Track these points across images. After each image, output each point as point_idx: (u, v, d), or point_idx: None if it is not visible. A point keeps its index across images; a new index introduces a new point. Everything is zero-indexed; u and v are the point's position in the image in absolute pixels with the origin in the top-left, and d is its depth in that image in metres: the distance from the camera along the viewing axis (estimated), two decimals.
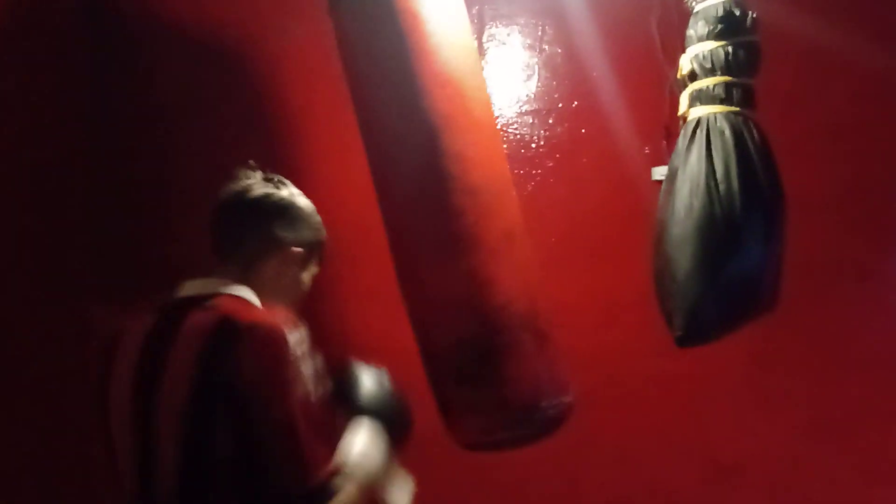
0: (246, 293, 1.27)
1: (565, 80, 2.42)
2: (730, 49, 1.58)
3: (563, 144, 2.41)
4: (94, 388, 1.28)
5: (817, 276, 2.25)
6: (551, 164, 2.42)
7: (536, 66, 2.44)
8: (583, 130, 2.40)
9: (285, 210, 1.34)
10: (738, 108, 1.58)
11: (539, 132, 2.43)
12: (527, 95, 2.43)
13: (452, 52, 1.52)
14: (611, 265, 2.34)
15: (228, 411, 1.12)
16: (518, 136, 2.43)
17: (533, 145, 2.42)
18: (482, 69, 1.79)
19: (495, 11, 2.45)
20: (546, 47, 2.44)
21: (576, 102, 2.40)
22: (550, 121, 2.43)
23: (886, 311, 2.26)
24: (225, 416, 1.13)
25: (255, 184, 1.33)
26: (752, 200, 1.54)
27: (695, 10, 1.64)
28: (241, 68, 2.48)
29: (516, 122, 2.44)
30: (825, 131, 2.26)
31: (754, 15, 1.59)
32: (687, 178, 1.58)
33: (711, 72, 1.59)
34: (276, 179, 1.37)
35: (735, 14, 1.58)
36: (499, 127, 2.42)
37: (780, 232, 1.61)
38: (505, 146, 2.40)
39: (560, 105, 2.42)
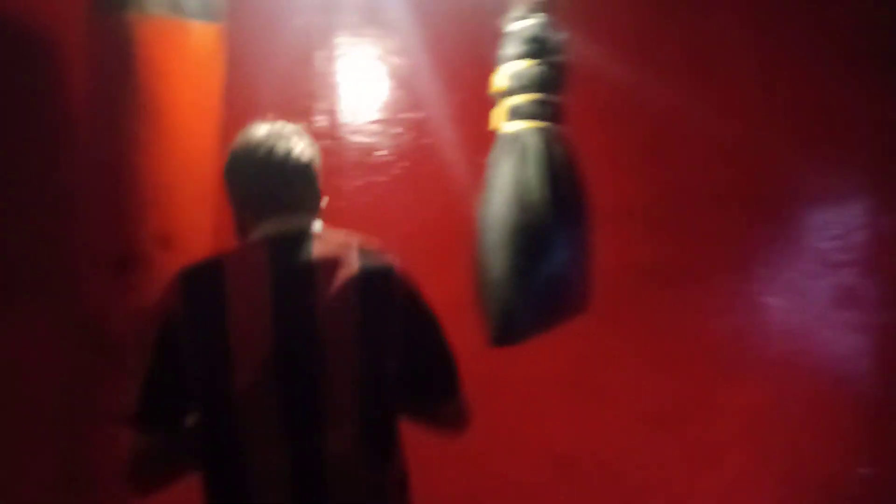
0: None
1: (411, 91, 2.48)
2: (540, 68, 1.67)
3: (408, 154, 2.48)
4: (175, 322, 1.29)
5: (635, 279, 2.44)
6: (397, 173, 2.48)
7: (383, 78, 2.50)
8: (427, 140, 2.47)
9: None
10: (547, 124, 1.68)
11: (385, 141, 2.48)
12: (373, 105, 2.49)
13: None
14: (452, 270, 2.42)
15: (399, 333, 1.34)
16: (364, 145, 2.48)
17: (378, 154, 2.48)
18: None
19: (344, 22, 2.49)
20: (393, 59, 2.50)
21: (420, 113, 2.48)
22: (396, 130, 2.49)
23: (697, 312, 2.46)
24: (398, 337, 1.34)
25: (298, 139, 1.44)
26: (559, 210, 1.63)
27: (508, 30, 1.73)
28: None
29: (362, 130, 2.48)
30: (639, 146, 2.44)
31: (563, 36, 1.70)
32: (499, 189, 1.66)
33: (523, 89, 1.69)
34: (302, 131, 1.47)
35: (545, 35, 1.68)
36: (345, 136, 2.47)
37: (585, 239, 1.72)
38: (351, 154, 2.47)
39: (405, 115, 2.48)
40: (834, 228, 2.45)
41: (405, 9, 2.45)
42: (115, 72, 1.75)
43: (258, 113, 2.36)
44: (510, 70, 1.71)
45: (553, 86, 1.70)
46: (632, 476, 2.47)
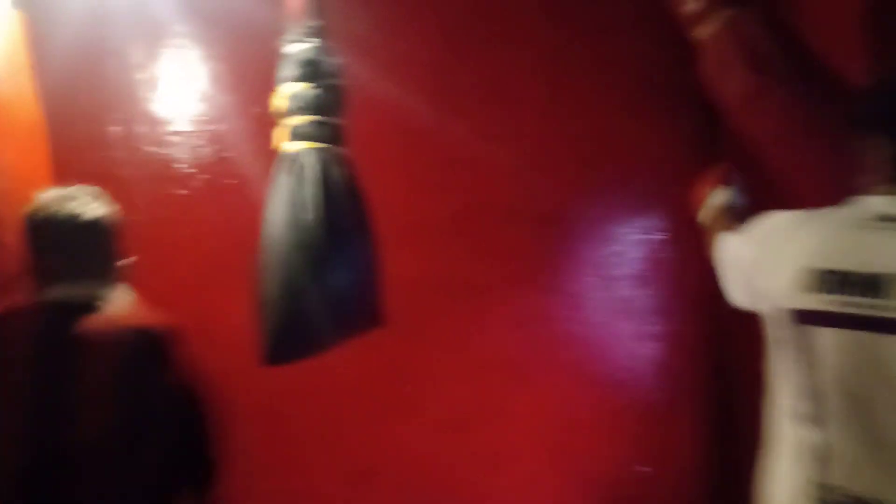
0: (125, 294, 1.38)
1: (212, 103, 2.46)
2: (316, 91, 1.72)
3: (209, 166, 2.45)
4: None
5: (435, 293, 2.54)
6: (197, 185, 2.45)
7: (184, 89, 2.45)
8: (227, 153, 2.46)
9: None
10: (325, 145, 1.73)
11: (185, 153, 2.44)
12: (173, 117, 2.44)
13: None
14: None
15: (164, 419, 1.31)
16: (163, 157, 2.43)
17: (177, 166, 2.43)
18: None
19: (144, 33, 2.42)
20: (193, 70, 2.46)
21: (222, 125, 2.46)
22: (197, 142, 2.45)
23: (497, 322, 2.60)
24: (161, 422, 1.31)
25: (84, 202, 1.43)
26: (336, 230, 1.68)
27: (286, 53, 1.76)
28: None
29: (161, 142, 2.43)
30: (438, 167, 2.56)
31: (339, 61, 1.76)
32: (278, 209, 1.69)
33: (300, 111, 1.73)
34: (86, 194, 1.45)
35: (320, 59, 1.73)
36: (143, 147, 2.41)
37: (368, 257, 1.78)
38: (150, 166, 2.41)
39: (206, 128, 2.45)
40: (613, 245, 2.67)
41: (205, 21, 2.43)
42: None
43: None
44: (288, 91, 1.75)
45: (331, 108, 1.75)
46: (430, 483, 2.56)
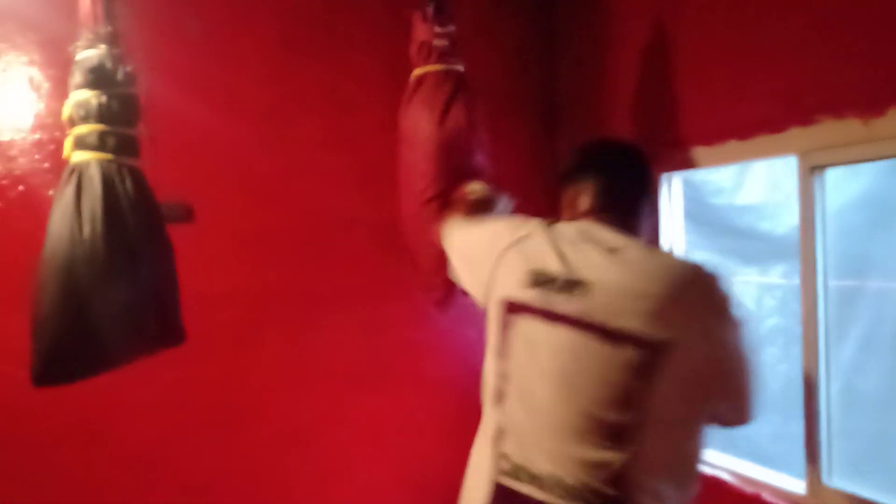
0: None
1: (28, 113, 2.36)
2: (103, 99, 1.67)
3: (27, 177, 2.35)
4: None
5: (278, 302, 2.52)
6: (13, 196, 2.34)
7: (2, 98, 2.34)
8: (47, 164, 2.36)
9: None
10: (111, 156, 1.67)
11: (2, 164, 2.33)
12: None
13: None
14: None
15: None
16: None
17: None
18: None
19: None
20: (9, 78, 2.35)
21: (40, 135, 2.36)
22: (13, 153, 2.34)
23: (337, 332, 2.59)
24: None
25: None
26: (118, 244, 1.62)
27: (75, 59, 1.71)
28: None
29: None
30: (276, 175, 2.53)
31: (129, 68, 1.72)
32: (57, 221, 1.63)
33: (86, 119, 1.67)
34: None
35: (107, 66, 1.68)
36: None
37: (160, 272, 1.74)
38: None
39: (23, 137, 2.35)
40: None
41: (21, 26, 2.33)
42: None
43: None
44: (74, 100, 1.69)
45: (119, 118, 1.70)
46: (268, 497, 2.52)
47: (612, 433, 1.38)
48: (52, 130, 2.35)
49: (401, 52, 2.48)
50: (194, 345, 1.89)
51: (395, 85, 2.64)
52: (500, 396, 1.57)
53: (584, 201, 1.62)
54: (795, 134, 1.87)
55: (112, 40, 1.70)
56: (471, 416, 2.77)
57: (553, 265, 1.49)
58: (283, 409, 2.54)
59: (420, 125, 2.10)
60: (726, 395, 1.51)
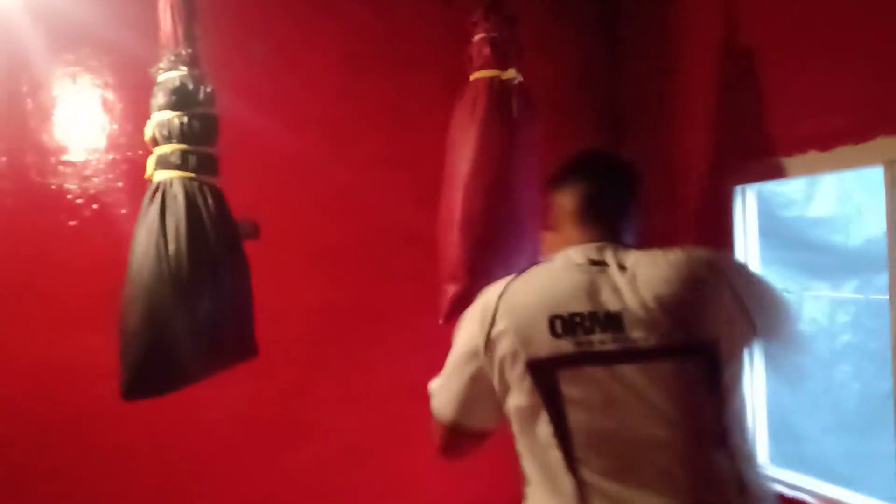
0: None
1: (104, 133, 2.42)
2: (185, 119, 1.71)
3: (101, 195, 2.40)
4: None
5: (340, 318, 2.52)
6: (88, 215, 2.40)
7: (75, 117, 2.41)
8: (119, 183, 2.41)
9: None
10: (193, 174, 1.71)
11: (76, 183, 2.39)
12: (67, 146, 2.39)
13: None
14: None
15: None
16: (53, 187, 2.37)
17: (68, 196, 2.38)
18: None
19: (38, 62, 2.37)
20: (85, 99, 2.42)
21: (114, 155, 2.41)
22: (88, 172, 2.40)
23: (398, 347, 2.59)
24: None
25: None
26: (201, 260, 1.66)
27: (157, 81, 1.75)
28: None
29: (51, 171, 2.37)
30: (345, 193, 2.56)
31: (209, 89, 1.75)
32: (143, 239, 1.66)
33: (169, 139, 1.71)
34: None
35: (189, 87, 1.72)
36: (32, 177, 2.35)
37: (238, 288, 1.76)
38: (39, 196, 2.35)
39: (98, 157, 2.40)
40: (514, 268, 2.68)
41: (95, 49, 2.40)
42: None
43: None
44: (156, 120, 1.73)
45: (200, 137, 1.73)
46: None
47: (714, 441, 1.35)
48: (125, 150, 2.41)
49: (461, 68, 2.49)
50: (261, 360, 1.91)
51: (454, 101, 2.66)
52: (573, 459, 1.36)
53: (571, 204, 1.56)
54: (882, 143, 1.81)
55: (192, 62, 1.74)
56: None
57: (586, 303, 1.37)
58: (347, 424, 2.54)
59: (465, 132, 2.07)
60: (771, 327, 1.48)
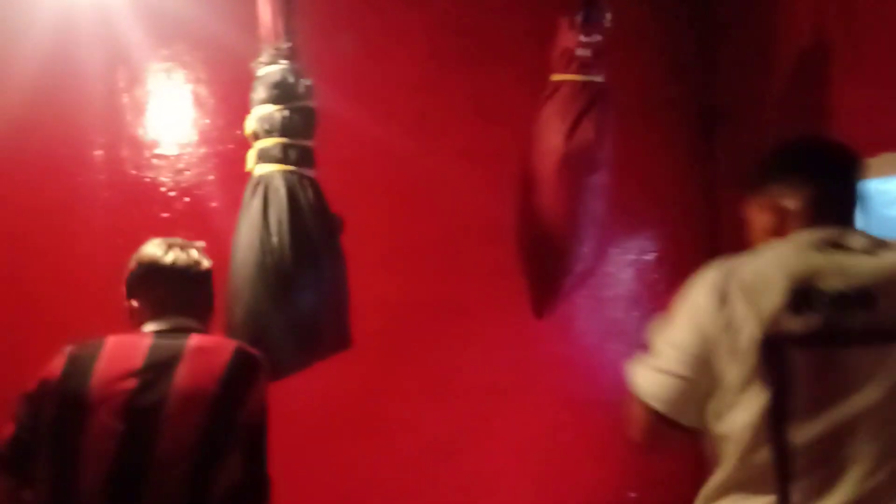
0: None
1: (196, 126, 2.46)
2: (285, 113, 1.72)
3: (193, 189, 2.45)
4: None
5: (423, 313, 2.52)
6: (180, 208, 2.45)
7: (168, 112, 2.46)
8: (211, 176, 2.46)
9: None
10: (293, 167, 1.72)
11: (171, 176, 2.44)
12: (157, 139, 2.44)
13: None
14: None
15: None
16: (147, 179, 2.43)
17: (161, 189, 2.43)
18: None
19: (126, 56, 2.43)
20: (178, 93, 2.47)
21: (206, 148, 2.46)
22: (180, 166, 2.45)
23: (481, 344, 2.57)
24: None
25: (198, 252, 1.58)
26: (302, 252, 1.67)
27: (257, 76, 1.76)
28: None
29: (145, 165, 2.43)
30: (429, 187, 2.55)
31: (308, 82, 1.76)
32: (246, 231, 1.68)
33: (270, 133, 1.72)
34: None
35: (289, 81, 1.73)
36: (127, 170, 2.41)
37: (335, 280, 1.77)
38: (134, 189, 2.41)
39: (190, 151, 2.45)
40: (604, 266, 2.63)
41: (189, 44, 2.44)
42: None
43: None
44: (258, 114, 1.74)
45: (300, 131, 1.75)
46: None
47: None
48: (216, 145, 2.45)
49: (546, 62, 2.45)
50: (345, 353, 1.92)
51: (539, 95, 2.62)
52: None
53: (795, 207, 1.38)
54: None
55: (293, 55, 1.75)
56: (619, 437, 2.68)
57: (832, 280, 1.26)
58: (428, 419, 2.52)
59: (549, 133, 2.05)
60: None
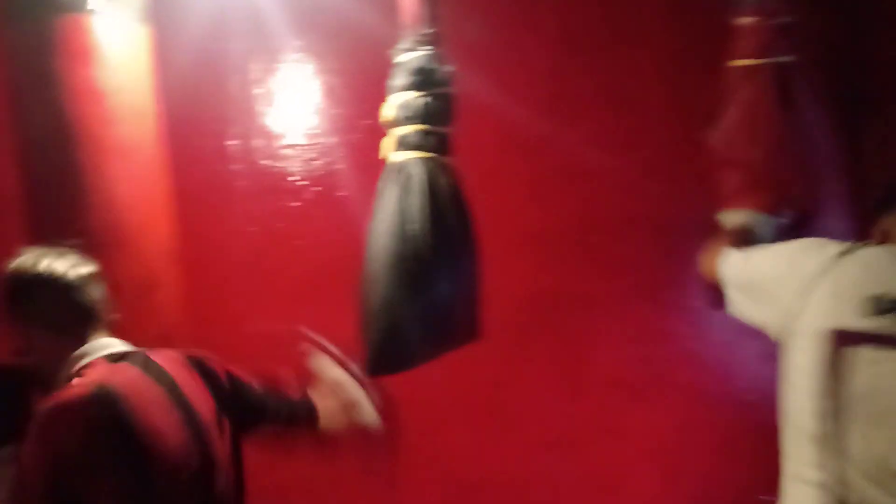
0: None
1: (324, 116, 2.50)
2: (425, 99, 1.69)
3: (321, 179, 2.49)
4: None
5: (544, 306, 2.47)
6: (309, 197, 2.49)
7: (297, 103, 2.50)
8: (339, 165, 2.48)
9: None
10: (432, 154, 1.69)
11: (298, 166, 2.49)
12: (287, 130, 2.49)
13: None
14: None
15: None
16: (277, 169, 2.49)
17: (291, 178, 2.48)
18: None
19: (260, 48, 2.49)
20: (307, 84, 2.51)
21: (333, 138, 2.49)
22: (309, 155, 2.49)
23: (610, 338, 2.49)
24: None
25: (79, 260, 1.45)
26: (441, 240, 1.64)
27: (396, 62, 1.75)
28: None
29: (275, 155, 2.49)
30: (559, 176, 2.48)
31: (450, 69, 1.72)
32: (383, 219, 1.67)
33: (409, 120, 1.70)
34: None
35: (431, 67, 1.70)
36: (258, 160, 2.47)
37: (470, 269, 1.73)
38: (265, 179, 2.47)
39: (318, 141, 2.49)
40: None
41: (321, 35, 2.47)
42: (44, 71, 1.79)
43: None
44: (397, 101, 1.73)
45: (439, 117, 1.71)
46: (535, 499, 2.48)
47: None
48: (346, 134, 2.48)
49: (682, 46, 2.34)
50: (474, 344, 1.88)
51: (675, 80, 2.50)
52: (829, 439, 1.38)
53: None
54: None
55: (435, 41, 1.72)
56: (754, 436, 2.56)
57: None
58: (554, 413, 2.48)
59: (753, 122, 1.91)
60: None
